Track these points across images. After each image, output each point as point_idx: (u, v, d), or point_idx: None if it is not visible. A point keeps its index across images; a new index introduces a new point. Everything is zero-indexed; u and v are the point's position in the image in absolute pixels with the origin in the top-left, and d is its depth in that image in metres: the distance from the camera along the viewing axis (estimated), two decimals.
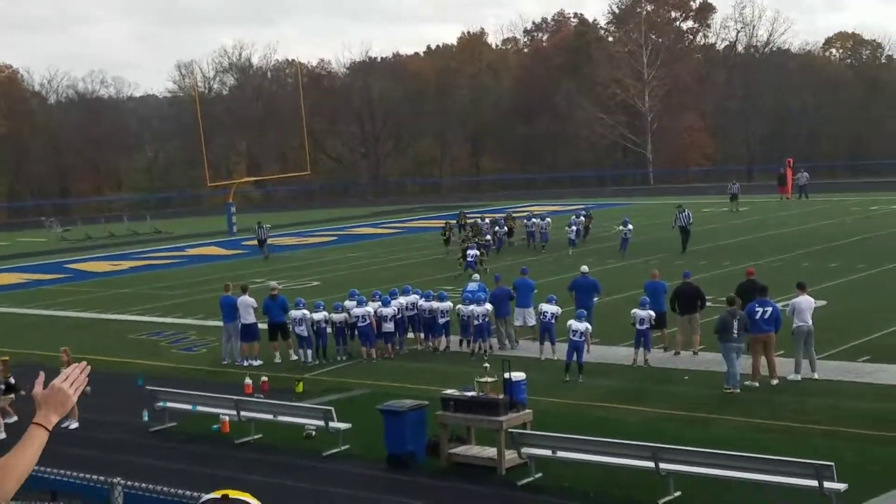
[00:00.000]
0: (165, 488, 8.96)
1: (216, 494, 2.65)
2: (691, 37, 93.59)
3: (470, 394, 14.80)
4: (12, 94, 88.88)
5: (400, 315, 22.53)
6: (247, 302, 22.91)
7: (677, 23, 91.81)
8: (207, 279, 37.38)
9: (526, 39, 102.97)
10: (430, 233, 45.27)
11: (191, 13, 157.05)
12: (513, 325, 22.73)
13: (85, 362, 3.51)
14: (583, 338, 19.32)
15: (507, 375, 14.75)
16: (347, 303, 22.71)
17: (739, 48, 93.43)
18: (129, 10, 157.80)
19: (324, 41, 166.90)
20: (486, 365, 15.11)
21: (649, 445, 13.15)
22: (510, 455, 14.21)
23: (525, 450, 13.96)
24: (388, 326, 22.25)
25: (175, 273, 41.26)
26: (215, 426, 17.35)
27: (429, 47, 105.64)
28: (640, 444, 13.37)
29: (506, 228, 41.55)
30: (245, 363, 22.55)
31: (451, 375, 19.30)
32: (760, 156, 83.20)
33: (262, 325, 23.06)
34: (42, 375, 3.54)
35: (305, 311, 22.25)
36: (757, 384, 18.09)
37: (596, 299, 22.86)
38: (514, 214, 46.09)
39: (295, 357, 22.65)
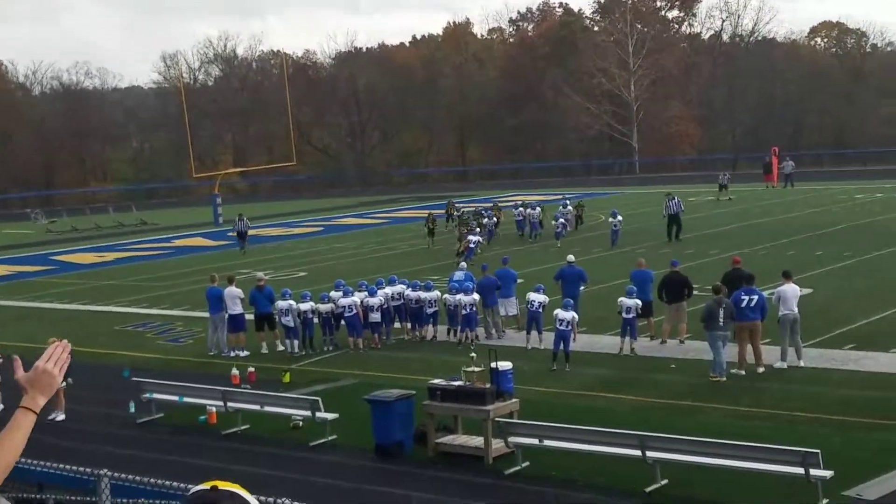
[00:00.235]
0: (153, 480, 8.94)
1: (205, 486, 2.63)
2: (677, 26, 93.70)
3: (457, 383, 14.81)
4: None
5: (386, 305, 22.53)
6: (233, 293, 22.86)
7: (662, 12, 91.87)
8: (193, 270, 37.29)
9: (511, 29, 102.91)
10: (417, 223, 45.20)
11: (175, 4, 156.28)
12: (499, 315, 22.75)
13: (66, 340, 3.47)
14: (569, 327, 19.35)
15: (493, 365, 14.76)
16: (334, 293, 22.68)
17: (725, 37, 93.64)
18: (113, 1, 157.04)
19: (309, 32, 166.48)
20: (473, 354, 15.12)
21: (636, 434, 13.18)
22: (497, 444, 14.23)
23: (512, 439, 13.98)
24: (375, 316, 22.24)
25: (161, 264, 41.14)
26: (202, 417, 17.32)
27: (414, 37, 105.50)
28: (627, 432, 13.41)
29: (495, 219, 41.33)
30: (232, 354, 22.52)
31: (438, 365, 19.31)
32: (746, 144, 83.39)
33: (249, 316, 23.02)
34: (18, 360, 3.50)
35: (292, 302, 22.23)
36: (743, 372, 18.15)
37: (582, 288, 22.89)
38: (500, 204, 46.07)
39: (282, 347, 22.62)
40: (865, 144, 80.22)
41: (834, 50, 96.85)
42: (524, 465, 13.91)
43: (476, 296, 21.99)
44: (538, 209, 41.17)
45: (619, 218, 36.79)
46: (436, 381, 15.41)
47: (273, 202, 73.64)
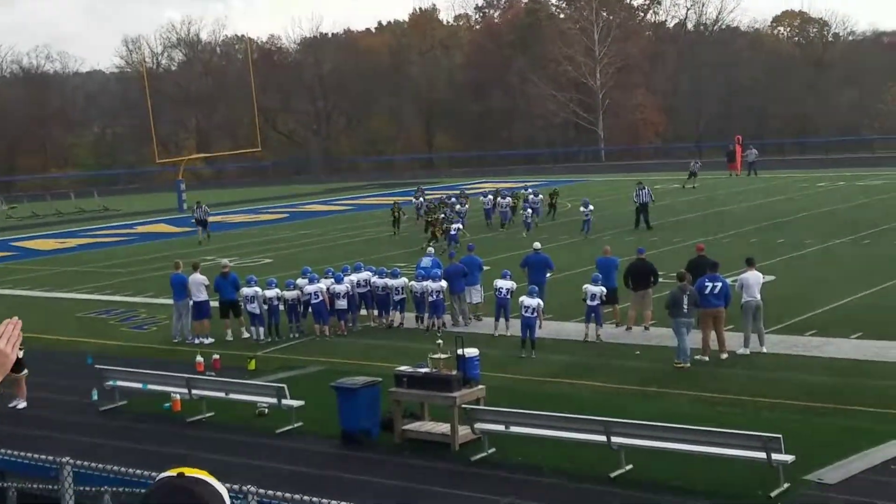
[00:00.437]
0: (116, 467, 8.87)
1: (172, 473, 2.61)
2: (642, 14, 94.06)
3: (423, 370, 14.81)
4: None
5: (352, 292, 22.47)
6: (198, 280, 22.71)
7: (628, 0, 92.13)
8: (157, 257, 37.01)
9: (478, 16, 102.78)
10: (383, 210, 45.12)
11: None
12: (466, 302, 22.78)
13: (16, 317, 3.40)
14: (535, 314, 19.42)
15: (460, 352, 14.78)
16: (300, 280, 22.60)
17: (689, 26, 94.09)
18: None
19: (273, 17, 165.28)
20: (440, 341, 15.13)
21: (601, 420, 13.26)
22: (464, 431, 14.26)
23: (478, 425, 14.01)
24: (342, 303, 22.19)
25: (124, 251, 40.79)
26: (166, 405, 17.20)
27: (380, 23, 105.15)
28: (593, 418, 13.48)
29: (466, 206, 41.03)
30: (196, 341, 22.38)
31: (405, 352, 19.30)
32: (710, 133, 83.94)
33: (214, 303, 22.89)
34: None
35: (257, 289, 22.13)
36: (707, 358, 18.30)
37: (549, 275, 22.96)
38: (467, 192, 46.04)
39: (247, 335, 22.52)
40: (827, 133, 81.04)
41: (796, 39, 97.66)
42: (490, 451, 13.95)
43: (443, 283, 22.00)
44: (508, 198, 41.01)
45: (591, 207, 36.53)
46: (403, 368, 15.40)
47: (238, 188, 73.21)
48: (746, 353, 18.51)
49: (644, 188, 37.62)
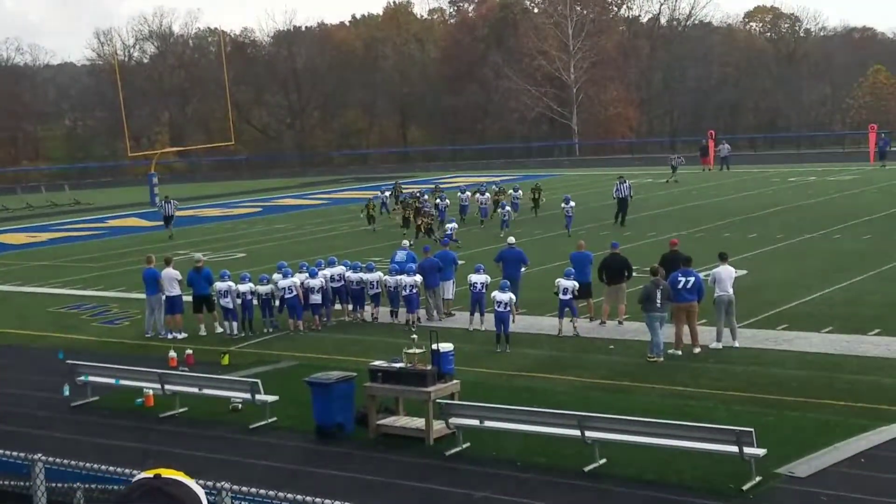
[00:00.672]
0: (88, 464, 8.81)
1: (148, 474, 2.60)
2: (615, 9, 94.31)
3: (398, 365, 14.80)
4: None
5: (326, 286, 22.42)
6: (171, 274, 22.58)
7: None
8: (129, 251, 36.77)
9: (452, 10, 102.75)
10: (357, 204, 45.01)
11: None
12: (441, 297, 22.77)
13: None
14: (507, 308, 19.46)
15: (434, 346, 14.79)
16: (275, 275, 22.52)
17: (662, 21, 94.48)
18: None
19: (247, 9, 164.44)
20: (414, 336, 15.13)
21: (575, 414, 13.30)
22: (438, 425, 14.27)
23: (453, 420, 14.02)
24: (316, 298, 22.13)
25: (96, 245, 40.50)
26: (139, 400, 17.10)
27: (354, 17, 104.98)
28: (567, 412, 13.52)
29: (447, 202, 40.22)
30: (169, 336, 22.27)
31: (379, 347, 19.29)
32: (683, 128, 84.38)
33: (187, 298, 22.77)
34: None
35: (231, 283, 22.03)
36: (680, 352, 18.40)
37: (523, 270, 23.00)
38: (441, 186, 45.98)
39: (220, 329, 22.42)
40: (798, 128, 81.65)
41: (768, 34, 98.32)
42: (465, 445, 13.97)
43: (418, 277, 21.98)
44: (486, 194, 40.53)
45: (572, 203, 35.88)
46: (377, 362, 15.39)
47: (211, 182, 72.87)
48: (719, 348, 18.63)
49: (625, 182, 37.51)
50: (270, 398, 15.67)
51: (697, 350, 18.48)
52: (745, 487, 11.98)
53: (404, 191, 44.57)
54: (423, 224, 34.42)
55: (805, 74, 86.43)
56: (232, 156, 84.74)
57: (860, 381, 16.23)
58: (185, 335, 22.22)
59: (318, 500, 7.38)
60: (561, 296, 20.15)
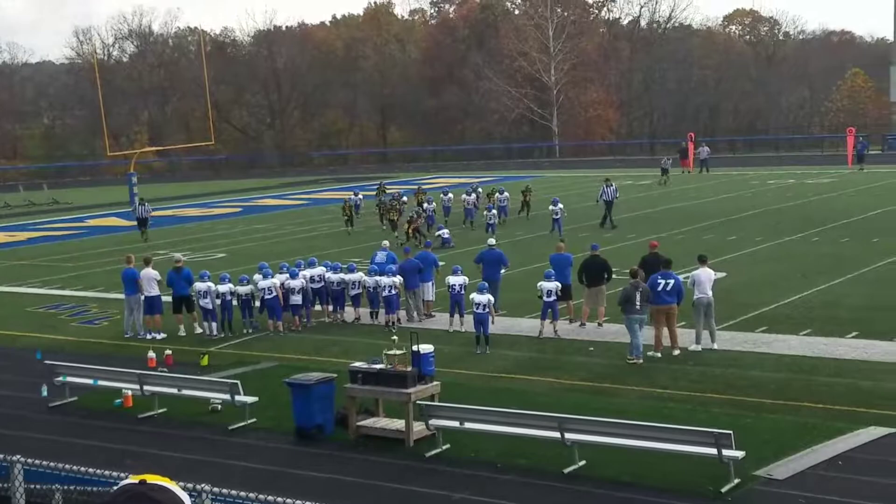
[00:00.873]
0: (67, 465, 8.76)
1: (133, 479, 2.60)
2: (596, 11, 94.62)
3: (378, 366, 14.80)
4: None
5: (306, 287, 22.37)
6: (150, 274, 22.49)
7: None
8: (108, 251, 36.60)
9: (433, 11, 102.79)
10: (337, 204, 44.93)
11: None
12: (421, 298, 22.77)
13: None
14: (486, 310, 19.49)
15: (414, 348, 14.79)
16: (256, 276, 22.46)
17: (643, 23, 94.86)
18: None
19: (227, 9, 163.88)
20: (394, 337, 15.13)
21: (555, 416, 13.33)
22: (418, 427, 14.27)
23: (433, 421, 14.03)
24: (296, 299, 22.09)
25: (75, 244, 40.29)
26: (118, 401, 17.01)
27: (335, 17, 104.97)
28: (546, 414, 13.55)
29: (434, 205, 39.39)
30: (148, 336, 22.18)
31: (360, 348, 19.28)
32: (663, 130, 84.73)
33: (167, 298, 22.68)
34: None
35: (210, 284, 21.96)
36: (659, 354, 18.47)
37: (503, 271, 23.03)
38: (423, 187, 45.87)
39: (200, 330, 22.34)
40: (776, 131, 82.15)
41: (748, 37, 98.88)
42: (445, 447, 13.97)
43: (397, 278, 21.96)
44: (473, 195, 39.94)
45: (560, 206, 35.08)
46: (357, 364, 15.38)
47: (191, 182, 72.62)
48: (698, 350, 18.71)
49: (611, 185, 37.20)
50: (250, 399, 15.63)
51: (677, 352, 18.56)
52: (723, 489, 12.04)
53: (388, 190, 44.47)
54: (411, 228, 34.08)
55: (784, 77, 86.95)
56: (212, 155, 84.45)
57: (838, 383, 16.34)
58: (165, 335, 22.14)
59: (297, 501, 7.37)
60: (545, 298, 20.18)
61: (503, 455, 13.62)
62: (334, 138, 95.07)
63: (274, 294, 21.76)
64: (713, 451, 12.18)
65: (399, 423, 14.57)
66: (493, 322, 19.84)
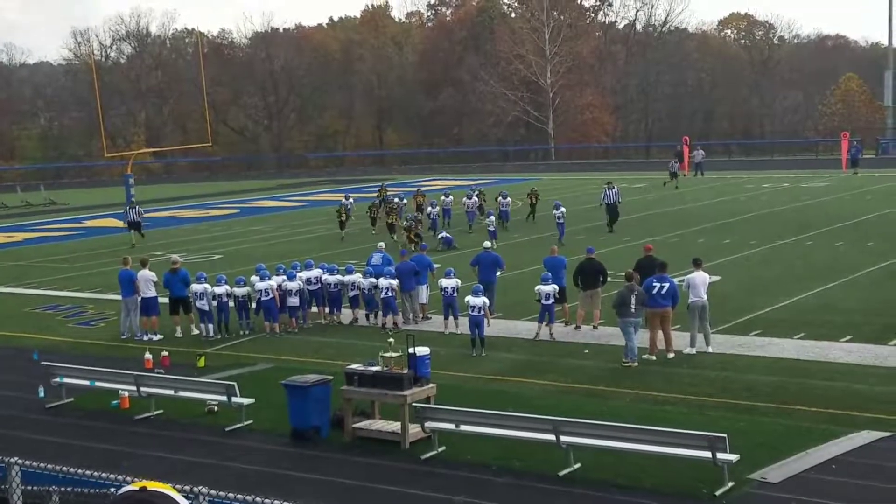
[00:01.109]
0: (65, 468, 8.81)
1: (134, 486, 2.65)
2: (592, 14, 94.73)
3: (374, 368, 14.85)
4: None
5: (303, 289, 22.42)
6: (147, 276, 22.53)
7: (579, 0, 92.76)
8: (105, 252, 36.61)
9: (430, 14, 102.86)
10: (334, 206, 44.94)
11: None
12: (417, 301, 22.82)
13: None
14: (481, 312, 19.55)
15: (411, 350, 14.84)
16: (253, 277, 22.50)
17: (638, 27, 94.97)
18: None
19: (224, 11, 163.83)
20: (391, 340, 15.18)
21: (550, 419, 13.39)
22: (414, 429, 14.32)
23: (429, 424, 14.08)
24: (293, 301, 22.14)
25: (71, 245, 40.29)
26: (114, 402, 17.05)
27: (332, 19, 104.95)
28: (542, 417, 13.60)
29: (437, 208, 39.04)
30: (145, 338, 22.21)
31: (356, 350, 19.33)
32: (658, 133, 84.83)
33: (164, 299, 22.72)
34: None
35: (207, 285, 22.00)
36: (654, 357, 18.54)
37: (499, 274, 23.09)
38: (422, 190, 45.81)
39: (196, 331, 22.38)
40: (772, 135, 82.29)
41: (743, 41, 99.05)
42: (441, 449, 14.03)
43: (395, 280, 21.96)
44: (474, 198, 39.56)
45: (563, 209, 34.27)
46: (353, 366, 15.43)
47: (188, 184, 72.60)
48: (693, 353, 18.79)
49: (613, 188, 36.90)
50: (246, 401, 15.68)
51: (671, 355, 18.63)
52: (718, 493, 12.11)
53: (388, 193, 44.46)
54: (412, 232, 33.86)
55: (779, 81, 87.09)
56: (208, 157, 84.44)
57: (832, 387, 16.42)
58: (161, 337, 22.18)
59: (293, 503, 7.41)
60: (543, 301, 20.24)
61: (498, 457, 13.67)
62: (331, 140, 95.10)
63: (271, 296, 21.81)
64: (707, 454, 12.24)
65: (395, 426, 14.63)
66: (488, 324, 19.90)
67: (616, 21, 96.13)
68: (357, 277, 22.63)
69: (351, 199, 41.54)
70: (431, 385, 14.93)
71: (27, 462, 8.82)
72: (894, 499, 12.04)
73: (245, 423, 15.61)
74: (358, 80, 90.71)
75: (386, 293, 21.82)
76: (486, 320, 19.72)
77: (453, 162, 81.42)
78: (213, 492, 8.01)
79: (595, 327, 21.08)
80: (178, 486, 5.82)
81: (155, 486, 2.65)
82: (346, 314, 22.97)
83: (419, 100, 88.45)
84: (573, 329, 21.23)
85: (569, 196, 48.44)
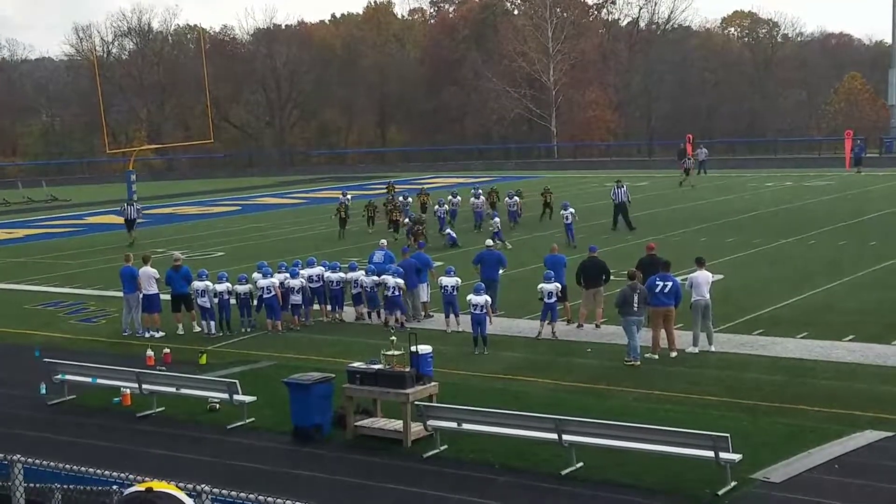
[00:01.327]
0: (68, 465, 8.80)
1: (140, 487, 2.63)
2: (596, 12, 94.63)
3: (376, 367, 14.83)
4: None
5: (305, 286, 22.38)
6: (149, 273, 22.52)
7: None
8: (107, 248, 36.61)
9: (432, 10, 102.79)
10: (336, 203, 44.90)
11: None
12: (420, 298, 22.79)
13: None
14: (483, 311, 19.52)
15: (413, 348, 14.82)
16: (255, 275, 22.48)
17: (642, 24, 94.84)
18: None
19: (226, 7, 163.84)
20: (393, 338, 15.16)
21: (552, 417, 13.37)
22: (416, 427, 14.31)
23: (431, 422, 14.07)
24: (296, 298, 22.11)
25: (73, 242, 40.29)
26: (116, 399, 17.05)
27: (334, 15, 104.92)
28: (544, 416, 13.58)
29: (446, 206, 38.53)
30: (147, 335, 22.20)
31: (358, 348, 19.31)
32: (661, 131, 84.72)
33: (165, 297, 22.70)
34: None
35: (208, 283, 21.99)
36: (657, 356, 18.51)
37: (501, 272, 23.06)
38: (426, 188, 45.68)
39: (198, 329, 22.37)
40: (775, 133, 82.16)
41: (746, 39, 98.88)
42: (442, 448, 14.01)
43: (401, 279, 21.86)
44: (481, 198, 39.14)
45: (571, 210, 33.12)
46: (355, 364, 15.41)
47: (190, 180, 72.62)
48: (695, 352, 18.76)
49: (622, 187, 36.36)
50: (248, 398, 15.67)
51: (674, 354, 18.60)
52: (720, 492, 12.08)
53: (395, 190, 44.43)
54: (418, 232, 33.48)
55: (782, 80, 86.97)
56: (210, 153, 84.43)
57: (834, 386, 16.39)
58: (163, 334, 22.16)
59: (298, 503, 7.40)
60: (546, 299, 20.21)
61: (501, 456, 13.65)
62: (333, 137, 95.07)
63: (272, 293, 21.78)
64: (710, 453, 12.22)
65: (397, 424, 14.61)
66: (491, 323, 19.88)
67: (619, 18, 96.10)
68: (360, 275, 22.60)
69: (349, 196, 41.32)
70: (433, 383, 14.91)
71: (30, 459, 8.80)
72: None
73: (247, 420, 15.60)
74: (360, 77, 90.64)
75: (393, 291, 21.75)
76: (488, 318, 19.69)
77: (455, 159, 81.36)
78: (216, 490, 7.99)
79: (598, 326, 21.04)
80: (181, 485, 5.81)
81: (160, 486, 2.63)
82: (348, 312, 22.94)
83: (421, 97, 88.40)
84: (576, 327, 21.20)
85: (570, 195, 48.36)
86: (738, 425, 14.01)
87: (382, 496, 12.78)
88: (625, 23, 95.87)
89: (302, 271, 22.63)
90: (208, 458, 14.27)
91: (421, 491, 12.79)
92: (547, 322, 20.38)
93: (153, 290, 22.43)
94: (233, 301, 22.14)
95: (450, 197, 40.46)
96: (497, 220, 34.37)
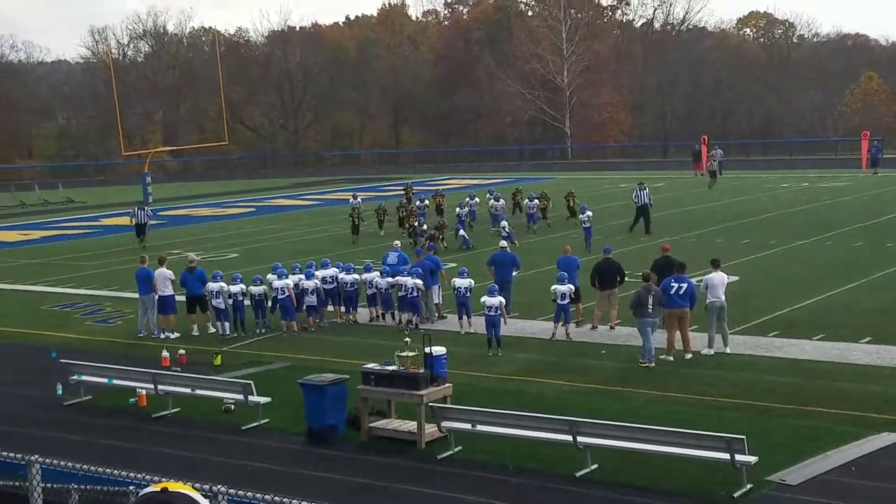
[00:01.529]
0: (85, 465, 8.83)
1: (155, 488, 2.63)
2: (610, 13, 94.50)
3: (391, 368, 14.84)
4: None
5: (319, 288, 22.41)
6: (164, 274, 22.60)
7: None
8: (123, 250, 36.74)
9: (446, 12, 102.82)
10: (346, 206, 44.92)
11: None
12: (433, 299, 22.78)
13: None
14: (497, 312, 19.51)
15: (427, 349, 14.83)
16: (269, 276, 22.53)
17: (656, 25, 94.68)
18: None
19: (241, 9, 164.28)
20: (407, 339, 15.16)
21: (567, 419, 13.34)
22: (430, 429, 14.31)
23: (445, 423, 14.06)
24: (311, 300, 22.15)
25: (89, 243, 40.45)
26: (132, 400, 17.12)
27: (348, 17, 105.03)
28: (558, 417, 13.56)
29: (467, 209, 37.92)
30: (162, 336, 22.27)
31: (372, 349, 19.31)
32: (676, 132, 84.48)
33: (181, 298, 22.77)
34: None
35: (223, 284, 22.05)
36: (671, 358, 18.46)
37: (515, 273, 23.05)
38: (441, 190, 45.56)
39: (213, 330, 22.42)
40: (790, 134, 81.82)
41: (762, 40, 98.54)
42: (456, 449, 14.00)
43: (420, 280, 21.83)
44: (501, 201, 38.61)
45: (589, 213, 32.55)
46: (370, 365, 15.42)
47: (204, 182, 72.79)
48: (711, 354, 18.70)
49: (644, 189, 35.89)
50: (263, 399, 15.70)
51: (689, 356, 18.55)
52: (736, 495, 12.04)
53: (414, 191, 44.35)
54: (434, 238, 33.05)
55: (798, 80, 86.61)
56: (225, 155, 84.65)
57: (851, 388, 16.31)
58: (178, 335, 22.23)
59: (310, 502, 7.41)
60: (559, 301, 20.18)
61: (515, 458, 13.64)
62: (347, 139, 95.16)
63: (286, 294, 21.83)
64: (726, 455, 12.18)
65: (411, 425, 14.62)
66: (505, 324, 19.86)
67: (634, 20, 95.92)
68: (375, 276, 22.61)
69: (359, 199, 41.08)
70: (448, 385, 14.92)
71: (47, 460, 8.84)
72: None
73: (261, 421, 15.63)
74: (374, 79, 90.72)
75: (411, 292, 21.73)
76: (502, 320, 19.67)
77: (469, 161, 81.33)
78: (231, 490, 8.01)
79: (612, 327, 21.00)
80: (197, 486, 5.83)
81: (176, 486, 2.64)
82: (362, 313, 22.96)
83: (435, 99, 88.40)
84: (590, 329, 21.16)
85: (585, 196, 48.27)
86: (754, 427, 13.95)
87: (396, 497, 12.78)
88: (639, 24, 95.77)
89: (316, 272, 22.66)
90: (223, 459, 14.31)
91: (435, 492, 12.79)
92: (561, 323, 20.35)
93: (168, 291, 22.51)
94: (247, 302, 22.20)
95: (467, 199, 40.22)
96: (505, 222, 34.31)
